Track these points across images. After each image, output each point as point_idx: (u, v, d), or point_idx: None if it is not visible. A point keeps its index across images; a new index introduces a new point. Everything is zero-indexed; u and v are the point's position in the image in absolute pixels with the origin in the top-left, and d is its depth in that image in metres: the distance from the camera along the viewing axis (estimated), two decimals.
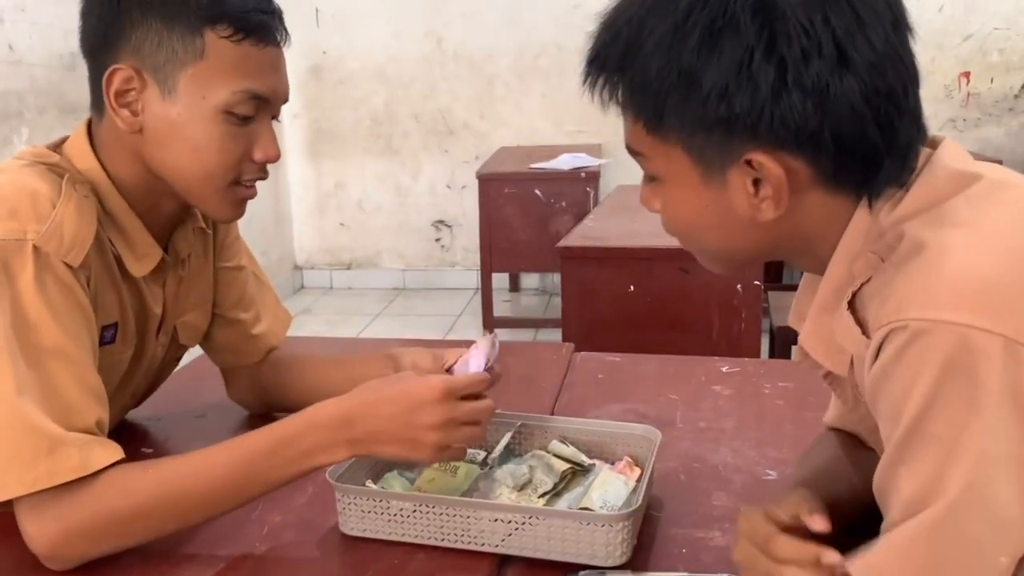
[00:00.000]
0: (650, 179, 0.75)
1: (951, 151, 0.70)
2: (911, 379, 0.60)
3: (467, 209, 4.31)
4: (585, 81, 0.73)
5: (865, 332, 0.66)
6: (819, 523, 0.69)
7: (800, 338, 0.76)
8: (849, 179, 0.67)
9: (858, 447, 0.87)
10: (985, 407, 0.58)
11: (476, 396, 0.87)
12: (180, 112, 0.90)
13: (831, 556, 0.66)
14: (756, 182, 0.67)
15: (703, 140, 0.67)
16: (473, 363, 0.92)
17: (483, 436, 0.89)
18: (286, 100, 0.97)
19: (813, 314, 0.73)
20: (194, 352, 1.22)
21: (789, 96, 0.63)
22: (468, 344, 0.97)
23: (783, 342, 2.48)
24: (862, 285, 0.67)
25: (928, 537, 0.61)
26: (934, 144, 0.70)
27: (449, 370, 0.97)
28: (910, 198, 0.67)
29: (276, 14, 0.94)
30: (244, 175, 0.95)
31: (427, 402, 0.83)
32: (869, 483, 0.68)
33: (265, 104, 0.94)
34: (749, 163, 0.66)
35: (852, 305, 0.68)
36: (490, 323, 3.68)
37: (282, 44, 0.95)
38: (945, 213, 0.65)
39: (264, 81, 0.92)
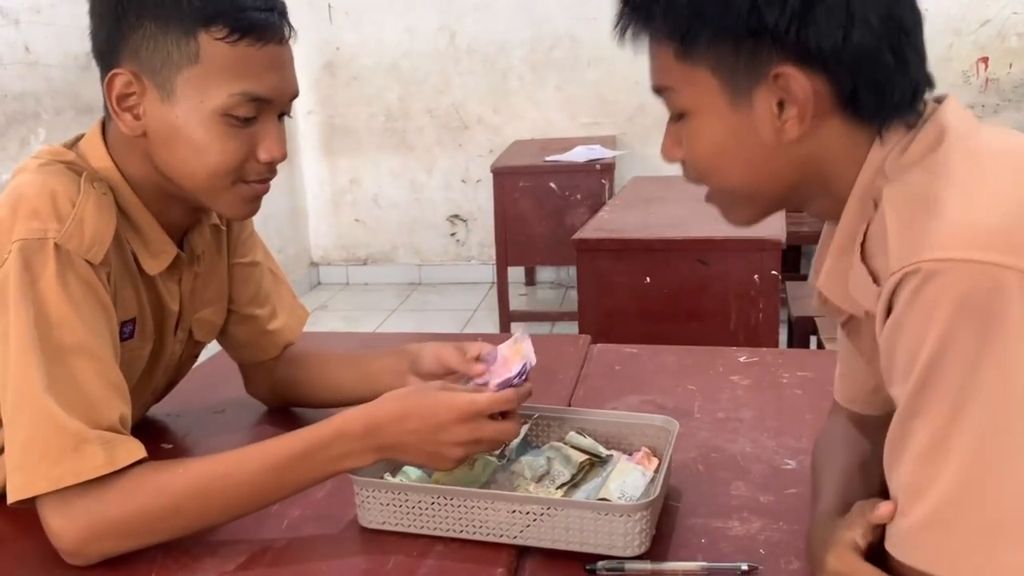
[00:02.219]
0: (675, 119, 0.77)
1: (954, 105, 0.72)
2: (925, 321, 0.60)
3: (482, 203, 4.31)
4: (617, 24, 0.76)
5: (877, 282, 0.67)
6: (885, 509, 0.67)
7: (819, 281, 0.77)
8: (865, 106, 0.70)
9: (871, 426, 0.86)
10: (1004, 342, 0.58)
11: (504, 412, 0.87)
12: (179, 116, 0.89)
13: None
14: (780, 105, 0.70)
15: (732, 58, 0.70)
16: (502, 374, 0.90)
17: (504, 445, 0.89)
18: (294, 97, 0.95)
19: (831, 254, 0.74)
20: (212, 348, 1.22)
21: (815, 10, 0.67)
22: (490, 339, 0.96)
23: (801, 332, 2.47)
24: (867, 231, 0.69)
25: (960, 497, 0.60)
26: (939, 100, 0.73)
27: (479, 361, 0.94)
28: (916, 145, 0.69)
29: (278, 10, 0.91)
30: (249, 174, 0.94)
31: (454, 421, 0.84)
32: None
33: (267, 104, 0.91)
34: (776, 79, 0.69)
35: (863, 255, 0.69)
36: (506, 317, 3.68)
37: (286, 41, 0.92)
38: (950, 160, 0.66)
39: (263, 82, 0.90)
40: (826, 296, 0.77)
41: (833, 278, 0.75)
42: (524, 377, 0.89)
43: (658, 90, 0.77)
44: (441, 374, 1.01)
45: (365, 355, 1.17)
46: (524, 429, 0.98)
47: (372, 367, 1.12)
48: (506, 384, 0.88)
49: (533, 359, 0.89)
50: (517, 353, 0.91)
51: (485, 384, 0.90)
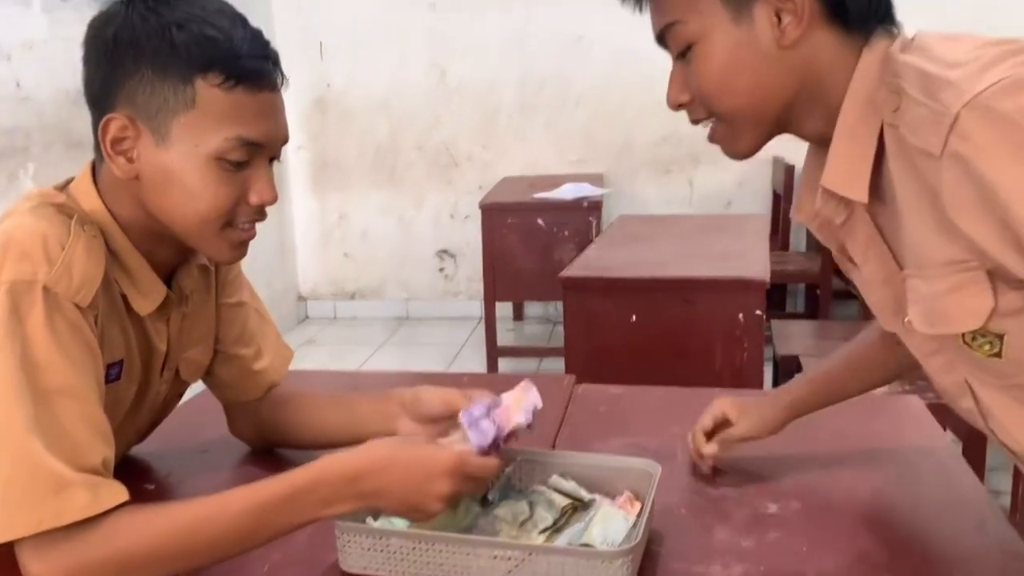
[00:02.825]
0: (681, 58, 0.85)
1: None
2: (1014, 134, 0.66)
3: (470, 239, 4.33)
4: None
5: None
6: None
7: (823, 180, 0.83)
8: (852, 15, 0.80)
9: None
10: None
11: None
12: (174, 159, 0.91)
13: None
14: (778, 16, 0.80)
15: None
16: (507, 420, 0.92)
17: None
18: (284, 142, 0.97)
19: (834, 153, 0.82)
20: (196, 387, 1.22)
21: None
22: (477, 379, 0.97)
23: (787, 370, 2.48)
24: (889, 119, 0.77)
25: None
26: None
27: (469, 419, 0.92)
28: (915, 44, 0.78)
29: (271, 59, 0.94)
30: (240, 218, 0.95)
31: (438, 475, 0.85)
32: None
33: (260, 149, 0.93)
34: None
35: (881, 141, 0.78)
36: (494, 352, 3.68)
37: (279, 88, 0.95)
38: (953, 49, 0.74)
39: (257, 127, 0.92)
40: (830, 195, 0.83)
41: (838, 169, 0.82)
42: (532, 422, 0.93)
43: (663, 32, 0.85)
44: (444, 417, 1.01)
45: (352, 398, 1.17)
46: (506, 473, 0.99)
47: (359, 410, 1.13)
48: (514, 431, 0.92)
49: (540, 403, 0.93)
50: (519, 401, 0.93)
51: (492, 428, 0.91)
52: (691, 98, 0.86)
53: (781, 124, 0.86)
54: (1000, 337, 0.76)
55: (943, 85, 0.70)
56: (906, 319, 0.83)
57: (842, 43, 0.82)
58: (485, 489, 0.90)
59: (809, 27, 0.80)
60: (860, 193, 0.82)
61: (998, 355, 0.77)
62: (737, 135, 0.87)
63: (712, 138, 0.89)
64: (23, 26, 2.72)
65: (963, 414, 0.88)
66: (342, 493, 0.85)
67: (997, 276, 0.73)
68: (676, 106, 0.88)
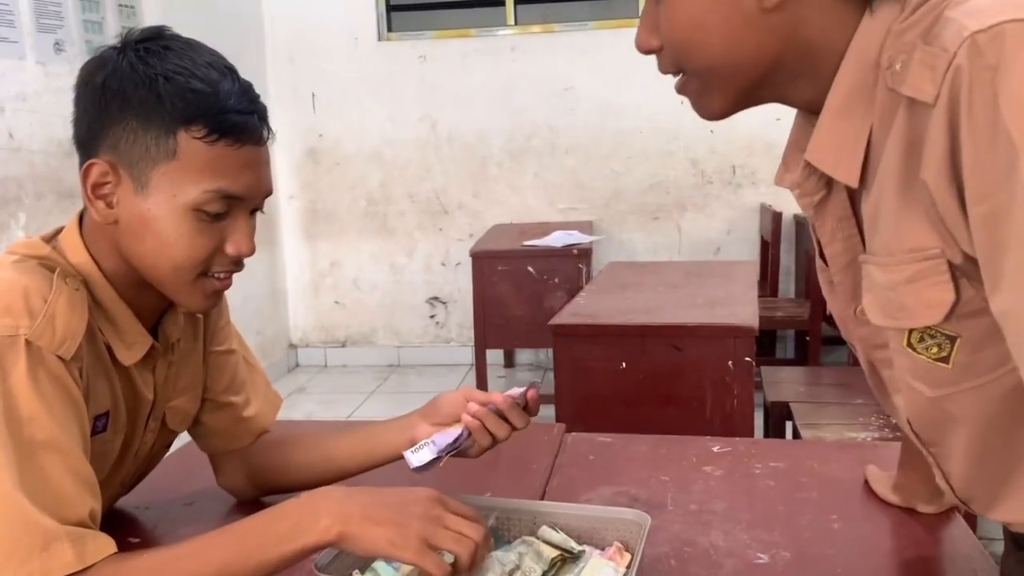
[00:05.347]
0: (653, 2, 0.75)
1: None
2: (1018, 75, 0.57)
3: (461, 286, 4.34)
4: None
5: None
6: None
7: (806, 153, 0.75)
8: None
9: None
10: None
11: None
12: (151, 208, 0.91)
13: None
14: None
15: None
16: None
17: (469, 549, 0.84)
18: (267, 195, 0.97)
19: (822, 126, 0.73)
20: (182, 439, 1.21)
21: None
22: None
23: (777, 417, 2.48)
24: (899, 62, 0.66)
25: None
26: None
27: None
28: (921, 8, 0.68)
29: (258, 113, 0.94)
30: (215, 267, 0.95)
31: (419, 496, 0.86)
32: None
33: (240, 201, 0.93)
34: None
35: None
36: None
37: (264, 142, 0.95)
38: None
39: (237, 181, 0.92)
40: (811, 170, 0.76)
41: (827, 146, 0.73)
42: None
43: None
44: (460, 411, 1.04)
45: (361, 423, 1.18)
46: (491, 520, 0.98)
47: (373, 429, 1.14)
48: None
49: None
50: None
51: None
52: (661, 44, 0.76)
53: (762, 90, 0.76)
54: (952, 340, 0.70)
55: (944, 24, 0.63)
56: (858, 307, 0.78)
57: (839, 3, 0.71)
58: (469, 549, 0.87)
59: None
60: (850, 176, 0.73)
61: (945, 360, 0.71)
62: (706, 93, 0.77)
63: (679, 90, 0.78)
64: (17, 78, 2.76)
65: (892, 412, 0.85)
66: (325, 519, 0.83)
67: (960, 271, 0.67)
68: (645, 51, 0.77)
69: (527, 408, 1.04)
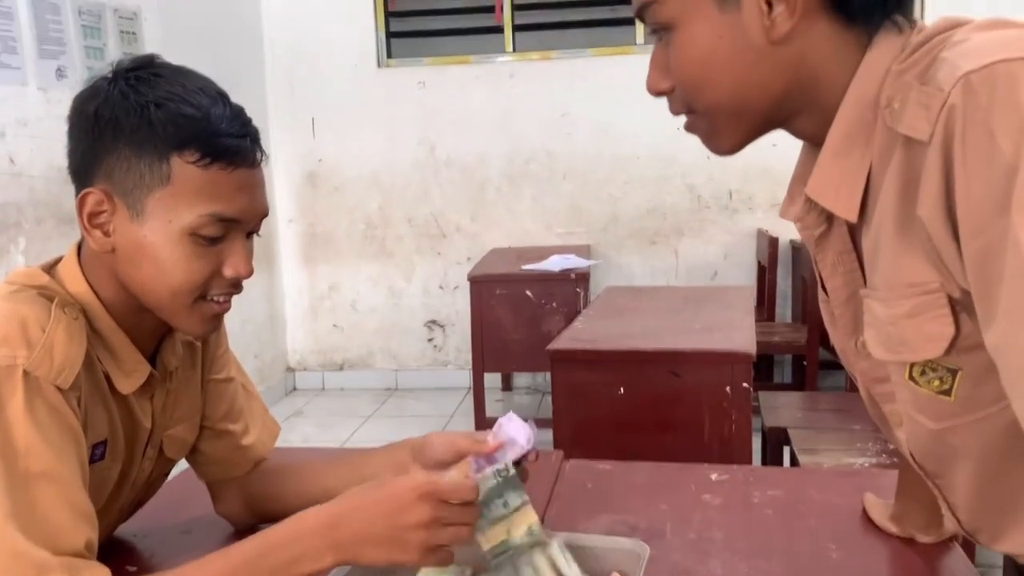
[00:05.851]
0: (660, 41, 0.77)
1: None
2: (1010, 113, 0.59)
3: (459, 309, 4.34)
4: None
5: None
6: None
7: (807, 188, 0.76)
8: (855, 7, 0.71)
9: None
10: None
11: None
12: (147, 234, 0.91)
13: None
14: (768, 4, 0.71)
15: None
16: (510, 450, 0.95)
17: (470, 535, 0.86)
18: (263, 217, 0.97)
19: (823, 160, 0.74)
20: (179, 467, 1.21)
21: None
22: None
23: (775, 442, 2.48)
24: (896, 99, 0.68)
25: None
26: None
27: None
28: (922, 47, 0.70)
29: (250, 136, 0.94)
30: (213, 291, 0.95)
31: (411, 501, 0.83)
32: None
33: (235, 224, 0.94)
34: None
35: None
36: (483, 422, 3.65)
37: (258, 164, 0.95)
38: (961, 36, 0.67)
39: (232, 204, 0.92)
40: (812, 205, 0.77)
41: (826, 183, 0.75)
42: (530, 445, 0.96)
43: (641, 9, 0.76)
44: (450, 460, 1.00)
45: (356, 454, 1.17)
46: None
47: (367, 465, 1.12)
48: (521, 456, 0.95)
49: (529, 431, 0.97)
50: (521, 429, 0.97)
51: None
52: (672, 86, 0.77)
53: (769, 122, 0.78)
54: (954, 373, 0.71)
55: (939, 65, 0.64)
56: (859, 340, 0.79)
57: (843, 38, 0.72)
58: (471, 531, 0.87)
59: (804, 18, 0.71)
60: (849, 211, 0.74)
61: (947, 393, 0.72)
62: (717, 131, 0.79)
63: (688, 129, 0.80)
64: (18, 104, 2.78)
65: (896, 444, 0.85)
66: (318, 546, 0.83)
67: (960, 305, 0.68)
68: (656, 93, 0.79)
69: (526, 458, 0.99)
